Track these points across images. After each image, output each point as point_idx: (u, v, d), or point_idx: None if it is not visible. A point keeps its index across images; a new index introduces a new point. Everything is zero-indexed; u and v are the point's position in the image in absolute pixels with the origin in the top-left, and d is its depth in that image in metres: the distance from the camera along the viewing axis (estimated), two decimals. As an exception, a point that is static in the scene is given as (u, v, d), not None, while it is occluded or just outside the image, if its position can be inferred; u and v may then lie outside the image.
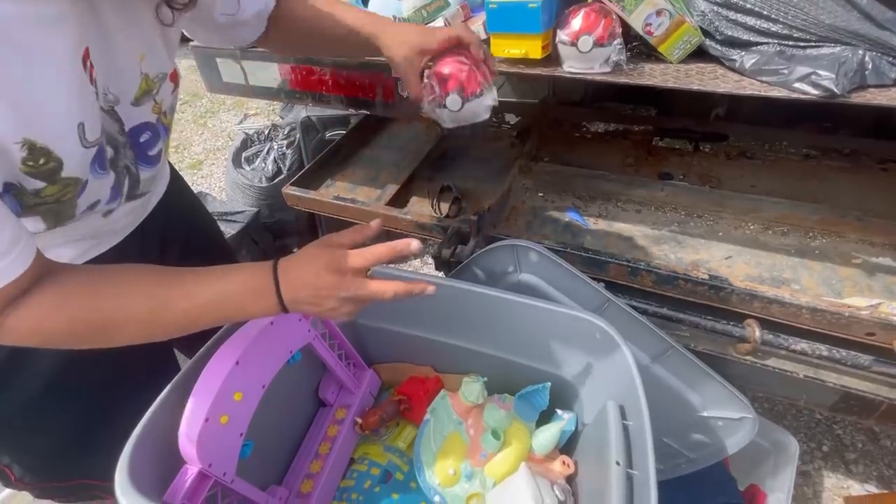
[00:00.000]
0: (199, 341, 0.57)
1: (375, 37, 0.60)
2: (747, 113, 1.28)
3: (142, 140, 0.55)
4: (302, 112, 1.76)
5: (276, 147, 1.92)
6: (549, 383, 0.68)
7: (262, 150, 1.95)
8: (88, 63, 0.42)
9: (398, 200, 1.16)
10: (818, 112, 1.23)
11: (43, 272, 0.42)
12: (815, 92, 0.59)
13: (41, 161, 0.40)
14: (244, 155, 1.94)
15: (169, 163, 0.75)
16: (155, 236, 0.69)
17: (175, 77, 0.57)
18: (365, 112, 1.24)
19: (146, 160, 0.57)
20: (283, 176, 1.85)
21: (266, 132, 1.99)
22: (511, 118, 1.48)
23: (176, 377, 0.55)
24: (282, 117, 2.18)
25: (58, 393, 0.62)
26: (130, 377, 0.65)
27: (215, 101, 3.33)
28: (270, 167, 1.88)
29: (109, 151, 0.50)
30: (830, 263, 0.92)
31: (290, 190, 1.18)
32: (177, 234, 0.73)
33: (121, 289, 0.44)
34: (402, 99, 0.83)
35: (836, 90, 0.57)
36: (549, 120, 1.40)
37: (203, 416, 0.50)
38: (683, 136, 1.32)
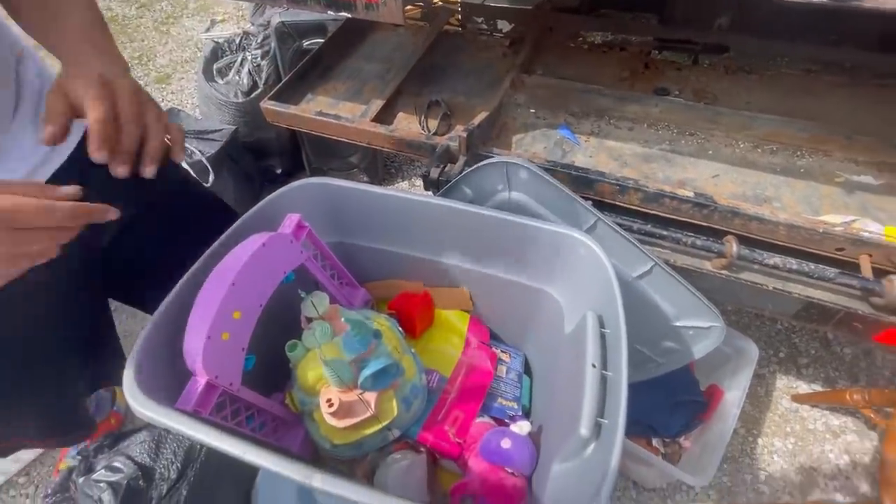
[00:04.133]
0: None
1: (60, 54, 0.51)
2: (752, 23, 1.21)
3: None
4: (274, 17, 1.61)
5: (249, 58, 1.78)
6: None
7: (234, 62, 1.80)
8: None
9: (384, 116, 1.11)
10: (825, 22, 1.17)
11: None
12: (826, -5, 0.56)
13: None
14: (215, 67, 1.79)
15: None
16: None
17: None
18: (345, 16, 1.13)
19: None
20: (259, 90, 1.74)
21: (237, 41, 1.83)
22: (504, 25, 1.38)
23: (170, 294, 0.56)
24: (252, 23, 1.99)
25: None
26: (57, 331, 0.58)
27: (177, 5, 3.00)
28: (245, 80, 1.76)
29: None
30: (813, 182, 0.93)
31: (268, 105, 1.12)
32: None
33: None
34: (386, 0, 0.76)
35: (848, -7, 0.54)
36: (543, 28, 1.31)
37: (205, 334, 0.52)
38: (683, 48, 1.26)
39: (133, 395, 0.46)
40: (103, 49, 0.52)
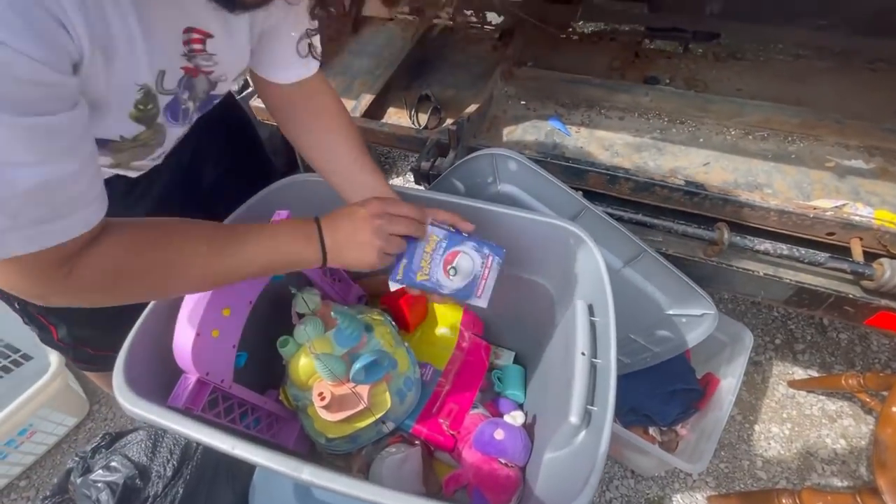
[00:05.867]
0: None
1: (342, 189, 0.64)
2: (742, 8, 1.20)
3: (215, 101, 0.57)
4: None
5: (239, 56, 1.77)
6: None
7: (224, 61, 1.79)
8: (194, 35, 0.44)
9: (374, 111, 1.11)
10: (815, 7, 1.16)
11: (108, 222, 0.43)
12: (810, -22, 0.55)
13: (150, 106, 0.43)
14: (206, 66, 1.79)
15: None
16: (185, 155, 0.68)
17: None
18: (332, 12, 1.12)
19: (203, 108, 0.58)
20: (249, 90, 1.73)
21: (227, 39, 1.82)
22: (493, 18, 1.37)
23: (160, 293, 0.56)
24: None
25: None
26: None
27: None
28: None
29: (192, 107, 0.52)
30: (804, 167, 0.93)
31: (259, 103, 1.11)
32: (213, 138, 0.73)
33: (184, 237, 0.47)
34: (371, -7, 0.76)
35: (832, -25, 0.53)
36: (533, 19, 1.30)
37: (194, 331, 0.52)
38: (674, 36, 1.25)
39: (122, 394, 0.46)
40: (374, 171, 0.64)
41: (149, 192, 0.64)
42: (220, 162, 0.75)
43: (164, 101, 0.46)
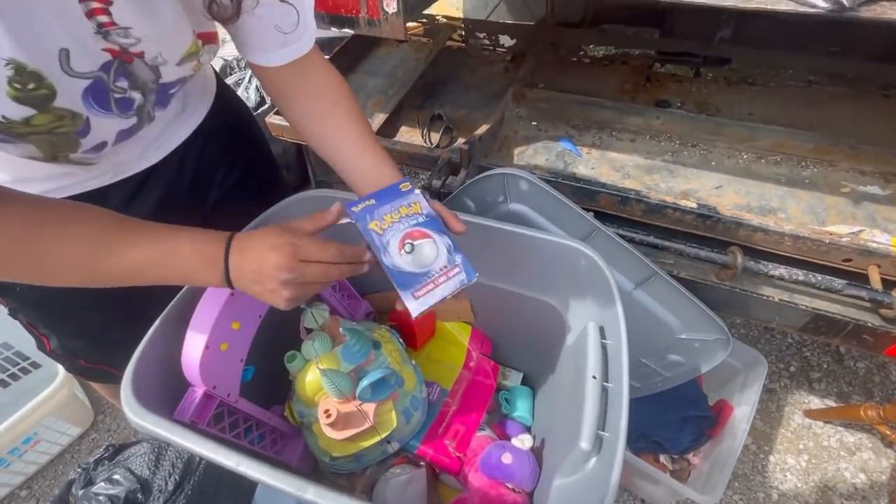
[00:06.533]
0: None
1: (350, 174, 0.60)
2: (753, 35, 1.22)
3: (171, 91, 0.55)
4: (282, 35, 1.65)
5: (257, 74, 1.81)
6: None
7: (242, 79, 1.84)
8: (93, 4, 0.40)
9: (387, 130, 1.12)
10: (827, 34, 1.17)
11: None
12: (824, 5, 0.56)
13: (31, 86, 0.39)
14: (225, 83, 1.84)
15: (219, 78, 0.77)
16: (189, 164, 0.68)
17: (216, 37, 0.55)
18: (348, 32, 1.16)
19: (164, 102, 0.55)
20: (266, 105, 1.77)
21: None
22: (506, 40, 1.40)
23: (170, 305, 0.56)
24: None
25: (90, 290, 0.62)
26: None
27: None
28: (253, 97, 1.79)
29: (138, 98, 0.50)
30: (818, 192, 0.92)
31: (274, 119, 1.13)
32: (221, 149, 0.72)
33: (66, 225, 0.41)
34: (388, 16, 0.78)
35: (845, 3, 0.54)
36: (545, 43, 1.32)
37: (203, 343, 0.52)
38: (685, 61, 1.27)
39: (130, 406, 0.46)
40: (383, 155, 0.60)
41: (149, 199, 0.63)
42: (228, 174, 0.74)
43: (74, 84, 0.42)
